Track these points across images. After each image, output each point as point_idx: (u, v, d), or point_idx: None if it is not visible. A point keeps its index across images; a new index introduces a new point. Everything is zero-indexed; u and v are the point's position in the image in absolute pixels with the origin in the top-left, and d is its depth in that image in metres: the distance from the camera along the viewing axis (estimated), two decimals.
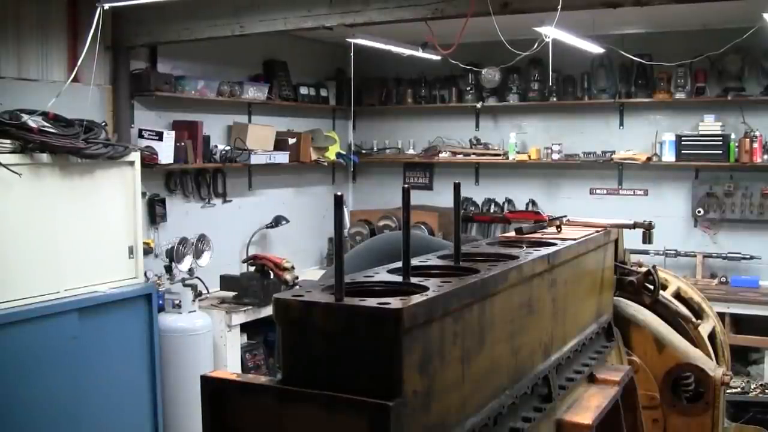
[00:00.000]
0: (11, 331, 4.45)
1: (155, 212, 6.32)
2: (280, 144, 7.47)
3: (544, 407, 1.94)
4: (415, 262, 1.81)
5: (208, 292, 6.46)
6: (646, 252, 6.09)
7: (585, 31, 6.17)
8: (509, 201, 8.17)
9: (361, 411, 1.28)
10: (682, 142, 7.27)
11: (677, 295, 3.49)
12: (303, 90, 8.00)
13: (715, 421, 2.90)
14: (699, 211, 7.33)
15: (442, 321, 1.46)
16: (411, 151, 8.57)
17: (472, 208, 8.14)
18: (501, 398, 1.73)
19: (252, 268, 6.55)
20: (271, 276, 6.38)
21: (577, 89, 7.84)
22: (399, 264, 1.65)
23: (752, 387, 6.49)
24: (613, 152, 7.63)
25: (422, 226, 7.99)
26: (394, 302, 1.35)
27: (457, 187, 1.84)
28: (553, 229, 2.63)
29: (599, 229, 2.73)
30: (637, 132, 7.67)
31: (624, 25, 7.08)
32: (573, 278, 2.35)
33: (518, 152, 7.96)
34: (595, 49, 6.77)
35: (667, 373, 2.90)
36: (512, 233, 2.56)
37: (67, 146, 4.75)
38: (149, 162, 5.87)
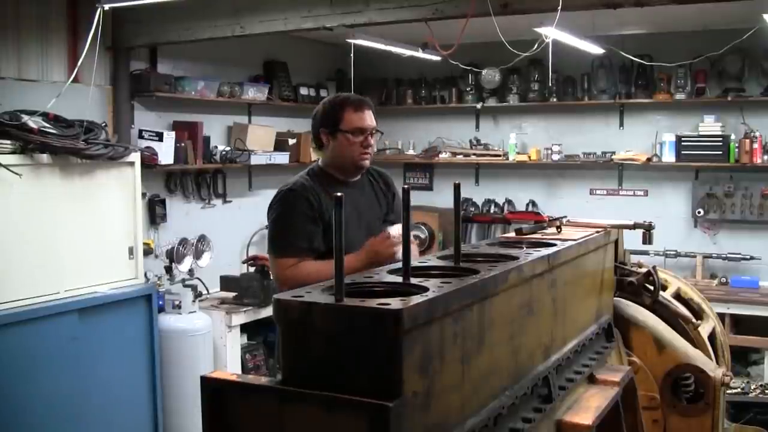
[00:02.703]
0: (11, 332, 4.44)
1: (155, 213, 6.31)
2: (280, 144, 7.46)
3: (544, 408, 1.94)
4: (415, 262, 1.81)
5: (208, 293, 6.46)
6: (646, 252, 6.09)
7: (585, 31, 6.16)
8: (509, 201, 8.15)
9: (360, 411, 1.28)
10: (682, 143, 7.26)
11: (677, 296, 3.49)
12: (303, 90, 7.98)
13: (715, 421, 2.90)
14: (699, 212, 7.32)
15: (442, 321, 1.46)
16: (411, 152, 8.56)
17: (472, 209, 8.13)
18: (501, 399, 1.73)
19: (252, 269, 6.55)
20: (271, 277, 6.37)
21: (577, 90, 7.84)
22: (399, 264, 1.65)
23: (752, 387, 6.48)
24: (613, 153, 7.62)
25: (422, 226, 8.00)
26: (394, 303, 1.35)
27: (457, 188, 1.84)
28: (553, 230, 2.63)
29: (599, 229, 2.73)
30: (637, 132, 7.66)
31: (624, 25, 7.07)
32: (573, 279, 2.35)
33: (518, 153, 7.95)
34: (595, 49, 6.76)
35: (667, 373, 2.90)
36: (512, 234, 2.57)
37: (68, 147, 4.74)
38: (149, 162, 5.86)
